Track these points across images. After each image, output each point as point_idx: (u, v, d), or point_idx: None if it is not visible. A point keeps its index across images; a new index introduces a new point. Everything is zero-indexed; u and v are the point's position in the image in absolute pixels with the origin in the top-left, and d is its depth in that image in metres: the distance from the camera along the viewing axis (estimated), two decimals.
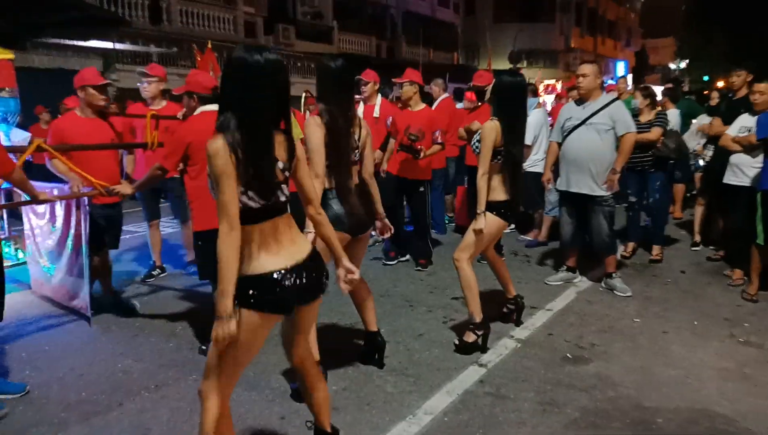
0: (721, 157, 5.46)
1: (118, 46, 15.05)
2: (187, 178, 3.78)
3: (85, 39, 13.75)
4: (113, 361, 3.79)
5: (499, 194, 3.86)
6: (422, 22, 30.87)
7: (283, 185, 2.19)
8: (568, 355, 3.83)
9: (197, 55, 7.66)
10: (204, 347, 3.81)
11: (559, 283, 5.27)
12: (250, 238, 2.12)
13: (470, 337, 3.84)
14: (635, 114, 5.84)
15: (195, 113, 3.77)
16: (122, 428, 3.01)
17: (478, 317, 3.82)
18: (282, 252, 2.15)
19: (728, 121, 5.41)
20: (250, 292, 2.08)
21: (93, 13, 12.26)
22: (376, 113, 5.70)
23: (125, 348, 4.00)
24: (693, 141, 6.69)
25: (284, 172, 2.19)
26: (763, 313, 4.56)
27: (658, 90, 7.72)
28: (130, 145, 4.82)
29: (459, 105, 7.78)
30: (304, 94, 6.70)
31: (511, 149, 3.79)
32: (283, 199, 2.19)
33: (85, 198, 4.21)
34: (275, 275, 2.10)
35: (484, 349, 3.84)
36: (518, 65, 32.06)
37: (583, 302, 4.83)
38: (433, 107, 7.38)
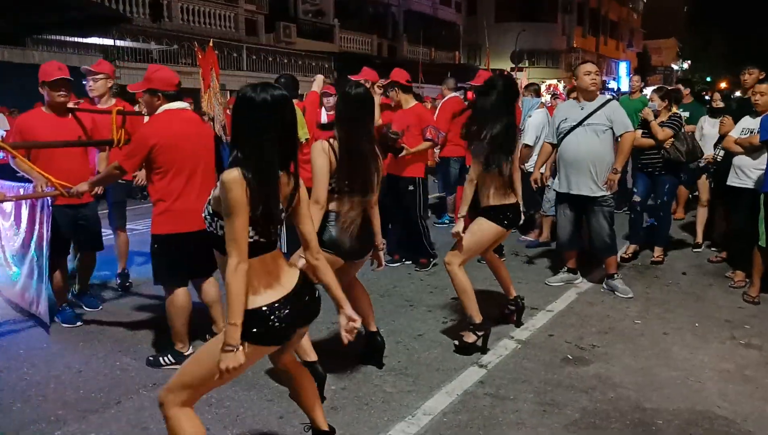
0: (727, 159, 5.44)
1: (119, 43, 15.05)
2: (151, 179, 3.49)
3: (86, 36, 13.73)
4: (111, 359, 3.77)
5: (496, 199, 3.84)
6: (424, 21, 30.88)
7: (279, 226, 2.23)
8: (568, 356, 3.81)
9: (198, 54, 7.63)
10: (151, 358, 3.68)
11: (559, 284, 5.25)
12: None
13: (470, 338, 3.82)
14: (655, 115, 5.81)
15: (158, 112, 3.45)
16: (120, 426, 3.00)
17: (477, 319, 3.81)
18: (267, 287, 2.15)
19: (739, 120, 5.37)
20: (249, 327, 2.07)
21: (94, 11, 12.22)
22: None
23: (123, 346, 3.98)
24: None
25: (282, 214, 2.22)
26: (764, 316, 4.54)
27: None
28: (94, 143, 4.44)
29: None
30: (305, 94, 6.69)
31: (498, 162, 3.74)
32: (274, 238, 2.21)
33: (48, 198, 3.95)
34: (264, 309, 2.11)
35: (484, 349, 3.83)
36: (520, 65, 32.10)
37: (584, 303, 4.82)
38: (439, 106, 7.41)
